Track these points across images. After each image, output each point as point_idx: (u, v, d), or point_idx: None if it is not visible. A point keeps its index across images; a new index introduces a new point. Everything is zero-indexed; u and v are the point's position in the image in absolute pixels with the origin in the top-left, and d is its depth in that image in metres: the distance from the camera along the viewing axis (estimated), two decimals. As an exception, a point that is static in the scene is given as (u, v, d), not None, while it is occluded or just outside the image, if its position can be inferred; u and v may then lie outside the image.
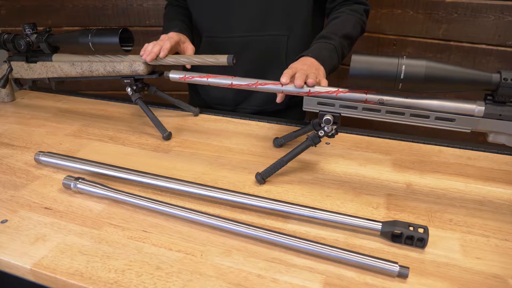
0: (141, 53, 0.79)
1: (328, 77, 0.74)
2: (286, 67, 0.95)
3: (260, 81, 0.64)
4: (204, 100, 1.05)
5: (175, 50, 0.84)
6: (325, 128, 0.62)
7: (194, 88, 1.09)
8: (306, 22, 0.91)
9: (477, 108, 0.53)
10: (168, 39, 0.80)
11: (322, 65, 0.74)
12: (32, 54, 0.90)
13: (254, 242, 0.54)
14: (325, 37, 0.81)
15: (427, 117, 0.55)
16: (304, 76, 0.63)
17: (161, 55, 0.78)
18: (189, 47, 0.84)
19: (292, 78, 0.63)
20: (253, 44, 0.91)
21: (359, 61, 0.53)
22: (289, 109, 1.02)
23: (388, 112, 0.57)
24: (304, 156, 0.73)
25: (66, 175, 0.66)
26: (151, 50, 0.78)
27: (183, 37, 0.85)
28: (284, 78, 0.63)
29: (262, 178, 0.66)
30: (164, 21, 1.00)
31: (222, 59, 0.73)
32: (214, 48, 0.94)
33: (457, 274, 0.48)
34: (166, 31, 0.86)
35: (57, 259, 0.51)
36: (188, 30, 0.93)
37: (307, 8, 0.90)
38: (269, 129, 0.88)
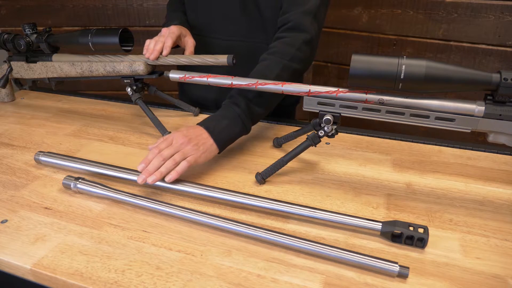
0: (144, 51, 0.79)
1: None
2: None
3: (260, 81, 0.64)
4: (191, 99, 1.04)
5: (176, 44, 0.84)
6: (325, 128, 0.62)
7: (181, 86, 1.09)
8: None
9: (477, 108, 0.53)
10: (169, 35, 0.79)
11: (213, 138, 0.68)
12: (32, 54, 0.90)
13: (254, 242, 0.54)
14: (233, 99, 0.73)
15: (427, 117, 0.55)
16: (160, 161, 0.62)
17: (164, 53, 0.78)
18: (189, 41, 0.84)
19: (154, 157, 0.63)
20: (237, 48, 0.90)
21: (359, 61, 0.53)
22: (274, 115, 1.01)
23: (388, 112, 0.57)
24: (304, 156, 0.73)
25: (66, 175, 0.66)
26: (154, 48, 0.78)
27: (184, 31, 0.84)
28: (140, 166, 0.62)
29: (262, 178, 0.66)
30: (168, 11, 1.00)
31: (222, 59, 0.73)
32: (201, 47, 0.94)
33: (457, 274, 0.48)
34: (167, 23, 0.86)
35: (57, 259, 0.51)
36: (188, 24, 0.93)
37: None
38: (269, 129, 0.88)
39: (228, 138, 0.71)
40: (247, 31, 0.89)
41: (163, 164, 0.62)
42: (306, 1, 0.78)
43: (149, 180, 0.60)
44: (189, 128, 0.69)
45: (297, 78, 0.78)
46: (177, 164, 0.63)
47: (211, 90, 0.93)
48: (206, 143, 0.67)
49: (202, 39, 0.93)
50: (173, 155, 0.63)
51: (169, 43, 0.78)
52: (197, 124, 0.71)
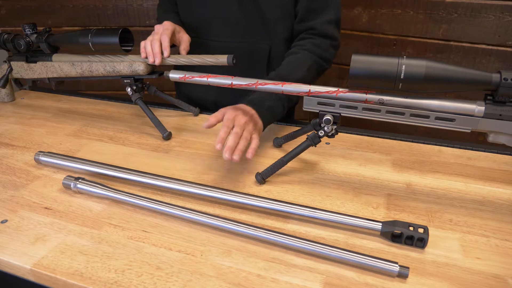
0: (142, 55, 0.78)
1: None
2: (266, 73, 0.90)
3: (260, 81, 0.64)
4: (189, 100, 1.04)
5: (172, 42, 0.82)
6: (325, 128, 0.62)
7: (178, 88, 1.09)
8: (287, 31, 0.89)
9: (477, 108, 0.53)
10: (164, 31, 0.78)
11: (262, 119, 0.72)
12: (32, 54, 0.90)
13: (254, 242, 0.54)
14: None
15: (427, 117, 0.55)
16: (237, 138, 0.64)
17: (165, 55, 0.77)
18: (184, 36, 0.82)
19: (226, 135, 0.64)
20: (235, 50, 0.90)
21: (359, 61, 0.53)
22: None
23: (388, 112, 0.57)
24: (304, 156, 0.73)
25: (66, 175, 0.66)
26: (155, 52, 0.76)
27: (178, 27, 0.83)
28: (221, 134, 0.63)
29: (262, 178, 0.66)
30: (158, 12, 1.00)
31: (222, 59, 0.73)
32: (198, 49, 0.94)
33: (457, 274, 0.48)
34: (160, 21, 0.85)
35: (57, 259, 0.51)
36: (181, 23, 0.93)
37: (290, 18, 0.88)
38: (269, 129, 0.88)
39: (271, 120, 0.75)
40: (246, 30, 0.89)
41: (238, 142, 0.64)
42: (326, 10, 0.83)
43: (235, 157, 0.62)
44: (241, 107, 0.71)
45: (318, 77, 0.84)
46: (247, 141, 0.66)
47: (210, 92, 0.93)
48: (258, 122, 0.71)
49: (199, 41, 0.93)
50: (241, 133, 0.66)
51: (166, 42, 0.77)
52: (243, 103, 0.73)
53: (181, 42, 0.83)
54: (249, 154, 0.64)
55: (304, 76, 0.80)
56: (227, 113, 0.68)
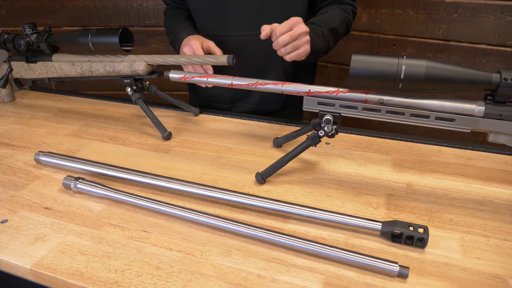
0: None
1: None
2: (282, 66, 0.94)
3: (260, 81, 0.64)
4: (203, 98, 1.05)
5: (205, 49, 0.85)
6: (325, 128, 0.62)
7: (192, 87, 1.09)
8: (302, 13, 0.92)
9: (477, 108, 0.53)
10: (194, 48, 0.80)
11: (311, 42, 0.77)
12: (32, 54, 0.90)
13: (254, 242, 0.54)
14: (315, 24, 0.83)
15: (427, 117, 0.55)
16: (289, 39, 0.71)
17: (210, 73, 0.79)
18: (209, 42, 0.84)
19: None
20: (250, 43, 0.91)
21: (359, 61, 0.53)
22: (285, 109, 1.02)
23: (388, 112, 0.57)
24: (304, 156, 0.73)
25: (66, 175, 0.66)
26: (206, 68, 0.80)
27: (199, 37, 0.85)
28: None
29: (262, 178, 0.66)
30: (168, 26, 1.00)
31: (222, 59, 0.73)
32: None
33: (457, 274, 0.48)
34: (174, 37, 0.86)
35: (57, 259, 0.51)
36: (195, 30, 0.93)
37: (302, 7, 0.91)
38: (269, 129, 0.88)
39: (317, 48, 0.80)
40: (260, 21, 0.89)
41: (290, 42, 0.72)
42: None
43: (282, 51, 0.72)
44: (302, 22, 0.76)
45: (338, 41, 0.90)
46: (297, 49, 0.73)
47: (225, 88, 0.94)
48: (308, 43, 0.76)
49: (212, 39, 0.93)
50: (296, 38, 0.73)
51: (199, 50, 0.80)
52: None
53: (211, 47, 0.83)
54: (288, 56, 0.73)
55: (339, 27, 0.87)
56: (297, 22, 0.74)
